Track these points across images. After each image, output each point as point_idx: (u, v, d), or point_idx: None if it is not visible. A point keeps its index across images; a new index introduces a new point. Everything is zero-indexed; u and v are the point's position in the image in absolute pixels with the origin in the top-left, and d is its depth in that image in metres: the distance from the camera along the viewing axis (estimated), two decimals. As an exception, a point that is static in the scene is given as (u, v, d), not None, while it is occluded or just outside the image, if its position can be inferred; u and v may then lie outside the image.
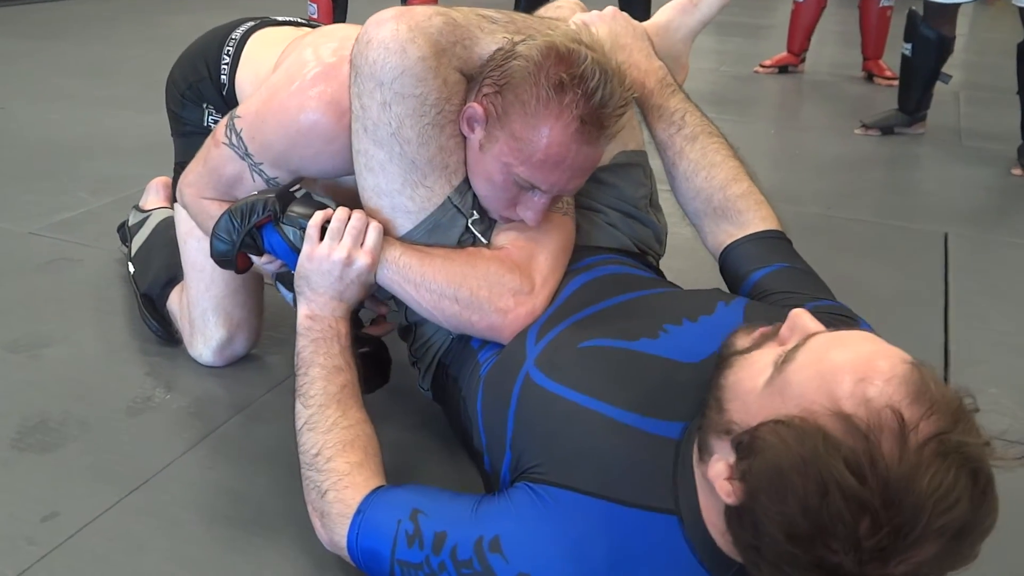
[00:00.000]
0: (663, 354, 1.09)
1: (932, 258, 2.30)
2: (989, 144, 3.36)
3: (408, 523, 1.04)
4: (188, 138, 1.64)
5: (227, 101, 1.58)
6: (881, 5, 4.25)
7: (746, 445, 0.84)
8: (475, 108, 1.20)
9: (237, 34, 1.58)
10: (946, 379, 1.73)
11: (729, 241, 1.34)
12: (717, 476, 0.87)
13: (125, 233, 2.03)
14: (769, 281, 1.27)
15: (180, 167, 1.66)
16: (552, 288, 1.26)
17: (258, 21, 1.61)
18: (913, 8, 3.34)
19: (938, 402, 0.79)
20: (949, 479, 0.76)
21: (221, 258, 1.30)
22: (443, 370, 1.35)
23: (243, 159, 1.36)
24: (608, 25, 1.41)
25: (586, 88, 1.13)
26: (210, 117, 1.61)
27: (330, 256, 1.21)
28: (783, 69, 4.55)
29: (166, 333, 1.75)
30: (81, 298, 1.94)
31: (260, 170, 1.36)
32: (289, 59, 1.37)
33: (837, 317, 1.15)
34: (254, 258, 1.33)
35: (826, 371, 0.83)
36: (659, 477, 0.98)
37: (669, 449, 0.99)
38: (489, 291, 1.21)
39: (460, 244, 1.27)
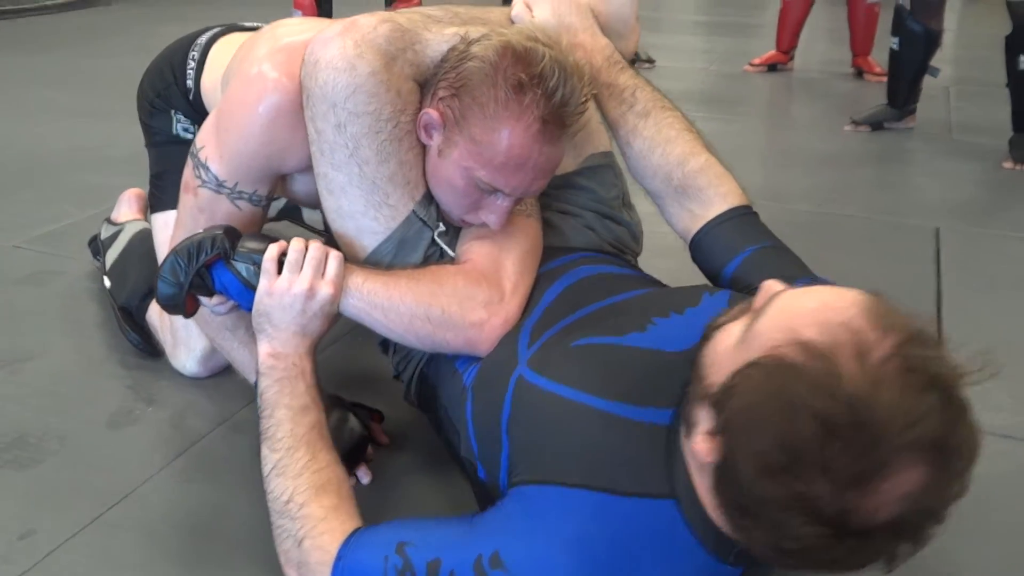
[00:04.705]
0: (651, 346, 1.07)
1: (924, 253, 2.28)
2: (980, 138, 3.34)
3: (396, 557, 0.99)
4: (160, 148, 1.61)
5: (194, 106, 1.56)
6: (869, 1, 4.23)
7: (719, 399, 0.84)
8: (431, 114, 1.16)
9: (202, 40, 1.56)
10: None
11: (695, 228, 1.32)
12: (698, 444, 0.86)
13: (97, 246, 1.99)
14: (742, 273, 1.25)
15: (156, 178, 1.64)
16: (524, 293, 1.22)
17: (224, 27, 1.58)
18: (900, 3, 3.32)
19: (898, 323, 0.79)
20: (912, 394, 0.75)
21: (168, 302, 1.20)
22: (425, 380, 1.32)
23: (218, 191, 1.30)
24: (551, 5, 1.37)
25: (546, 88, 1.10)
26: (179, 124, 1.58)
27: (291, 289, 1.15)
28: (772, 67, 4.53)
29: (147, 345, 1.72)
30: (63, 311, 1.91)
31: (238, 193, 1.31)
32: (235, 60, 1.34)
33: None
34: (203, 300, 1.24)
35: (788, 314, 0.84)
36: (653, 463, 0.96)
37: (661, 435, 0.98)
38: (460, 306, 1.16)
39: (427, 257, 1.24)
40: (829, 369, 0.77)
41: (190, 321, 1.56)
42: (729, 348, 0.88)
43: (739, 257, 1.26)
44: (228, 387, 1.61)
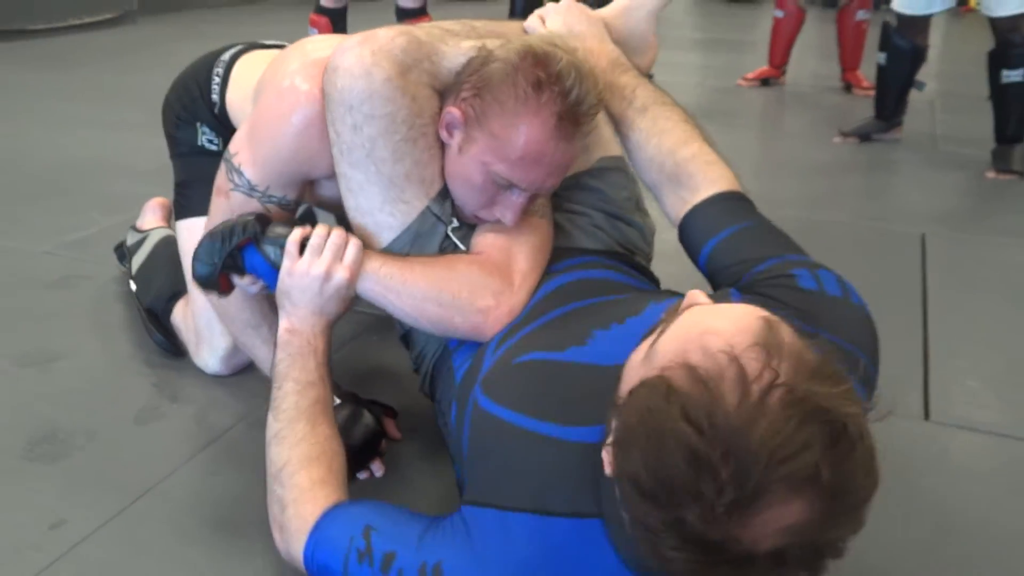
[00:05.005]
0: (588, 360, 1.05)
1: (910, 257, 2.28)
2: (964, 149, 3.34)
3: (360, 540, 1.00)
4: (185, 158, 1.63)
5: (219, 119, 1.57)
6: (857, 19, 4.24)
7: (617, 414, 0.81)
8: (453, 112, 1.18)
9: (226, 56, 1.57)
10: (926, 373, 1.71)
11: (683, 212, 1.28)
12: (604, 452, 0.83)
13: (123, 252, 2.01)
14: (717, 256, 1.22)
15: (181, 187, 1.65)
16: (531, 287, 1.23)
17: (246, 45, 1.60)
18: (887, 20, 3.34)
19: (788, 354, 0.75)
20: (790, 426, 0.71)
21: (203, 281, 1.25)
22: (435, 374, 1.33)
23: (250, 194, 1.33)
24: (562, 16, 1.40)
25: (562, 87, 1.12)
26: (204, 136, 1.59)
27: (310, 271, 1.18)
28: (765, 82, 4.54)
29: (171, 345, 1.72)
30: (91, 313, 1.91)
31: (269, 197, 1.33)
32: (267, 73, 1.36)
33: (772, 280, 1.10)
34: (236, 279, 1.28)
35: (684, 335, 0.81)
36: (583, 483, 0.93)
37: (591, 453, 0.93)
38: (470, 292, 1.18)
39: (441, 251, 1.25)
40: (708, 397, 0.73)
41: (213, 321, 1.58)
42: (637, 361, 0.85)
43: (716, 238, 1.22)
44: (249, 384, 1.62)
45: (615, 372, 0.94)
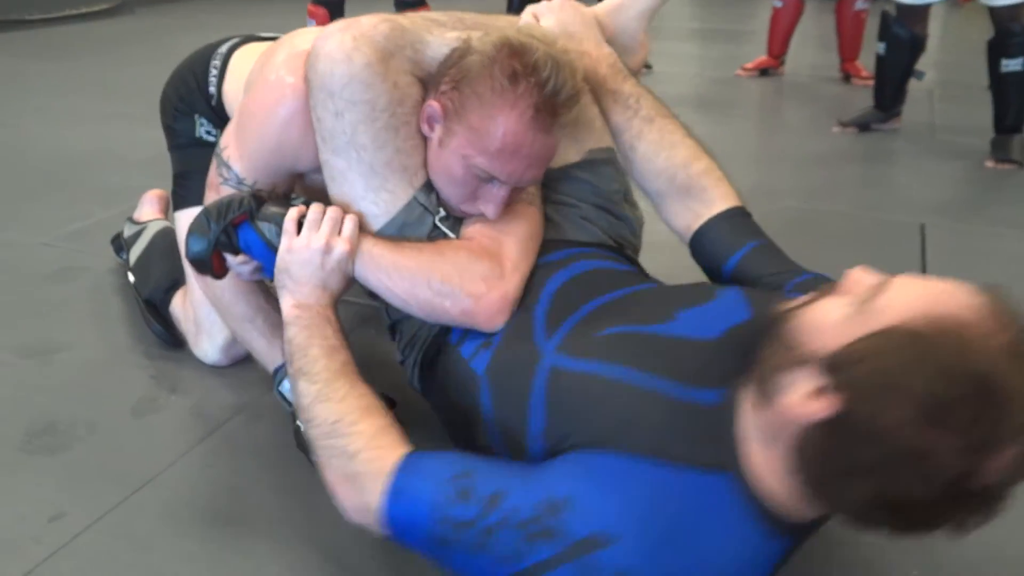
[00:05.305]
0: (680, 334, 1.06)
1: (910, 248, 2.28)
2: (963, 138, 3.33)
3: (458, 481, 0.97)
4: (183, 150, 1.62)
5: (216, 111, 1.56)
6: (856, 8, 4.22)
7: (840, 361, 0.85)
8: (433, 106, 1.18)
9: (223, 49, 1.57)
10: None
11: (697, 224, 1.33)
12: (798, 403, 0.87)
13: (120, 244, 2.00)
14: (746, 265, 1.27)
15: (179, 177, 1.64)
16: (523, 274, 1.22)
17: (243, 37, 1.59)
18: (886, 9, 3.32)
19: (1011, 316, 0.83)
20: None
21: (196, 258, 1.23)
22: (429, 366, 1.31)
23: (239, 188, 1.31)
24: (556, 15, 1.40)
25: (539, 78, 1.12)
26: (201, 128, 1.59)
27: (309, 245, 1.17)
28: (763, 72, 4.52)
29: (170, 336, 1.72)
30: (89, 305, 1.91)
31: (257, 190, 1.31)
32: (256, 66, 1.36)
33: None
34: (229, 259, 1.27)
35: (913, 293, 0.86)
36: (706, 439, 0.95)
37: (710, 414, 0.97)
38: (460, 277, 1.17)
39: (430, 240, 1.24)
40: (960, 342, 0.80)
41: (213, 311, 1.57)
42: (836, 321, 0.88)
43: (744, 248, 1.28)
44: (248, 375, 1.61)
45: (715, 344, 1.02)
